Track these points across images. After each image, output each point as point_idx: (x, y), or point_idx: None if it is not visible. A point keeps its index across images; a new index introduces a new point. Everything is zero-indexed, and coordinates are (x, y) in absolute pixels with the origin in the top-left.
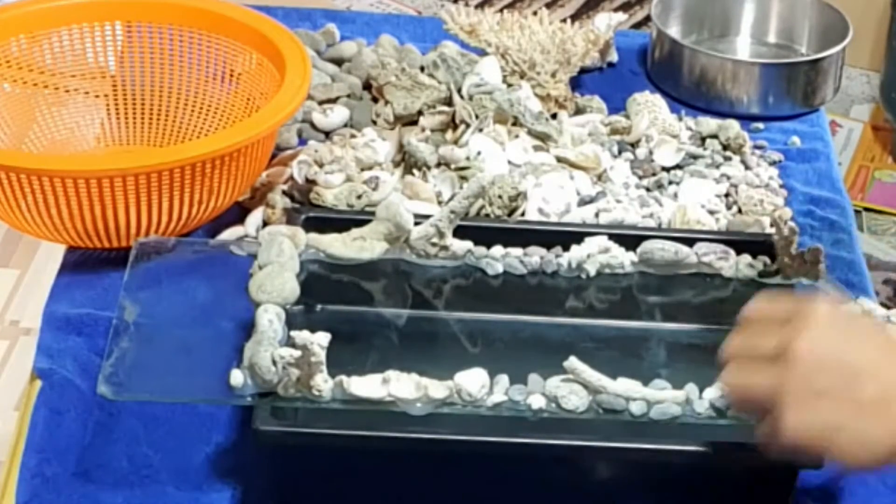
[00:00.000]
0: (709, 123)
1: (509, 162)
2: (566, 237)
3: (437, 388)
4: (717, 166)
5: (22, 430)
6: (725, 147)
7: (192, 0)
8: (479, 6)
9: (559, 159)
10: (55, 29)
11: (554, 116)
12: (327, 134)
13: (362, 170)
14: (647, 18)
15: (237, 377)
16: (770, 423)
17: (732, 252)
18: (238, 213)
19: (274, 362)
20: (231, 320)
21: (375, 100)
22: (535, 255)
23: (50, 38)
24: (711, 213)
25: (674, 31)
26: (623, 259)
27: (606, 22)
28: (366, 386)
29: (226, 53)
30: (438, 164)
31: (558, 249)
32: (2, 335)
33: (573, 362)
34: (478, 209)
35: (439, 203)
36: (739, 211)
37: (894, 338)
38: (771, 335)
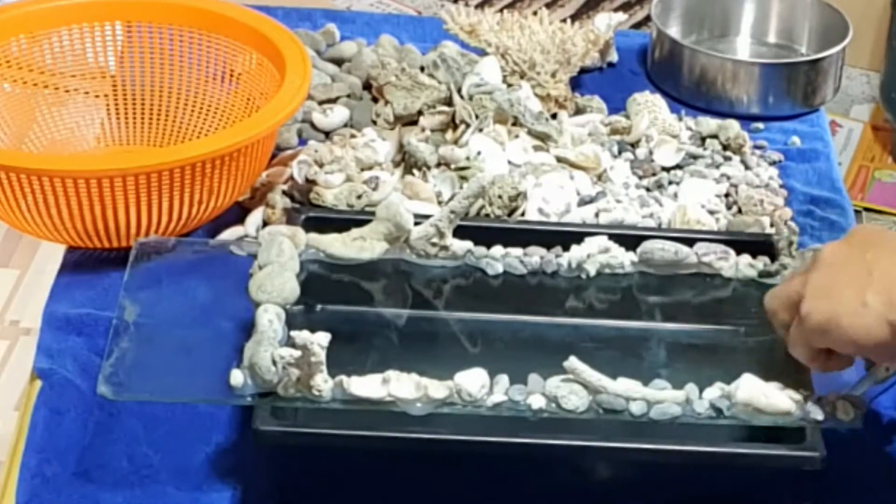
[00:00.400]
0: (709, 123)
1: (509, 162)
2: (566, 237)
3: (437, 388)
4: (717, 166)
5: (22, 430)
6: (725, 147)
7: (192, 0)
8: (479, 6)
9: (559, 159)
10: (55, 29)
11: (554, 116)
12: (327, 134)
13: (362, 170)
14: (647, 18)
15: (237, 377)
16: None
17: (732, 252)
18: (238, 213)
19: (274, 362)
20: (231, 320)
21: (375, 100)
22: (535, 255)
23: (50, 38)
24: (711, 213)
25: (674, 31)
26: (623, 259)
27: (606, 22)
28: (366, 386)
29: (226, 53)
30: (438, 164)
31: (558, 249)
32: (2, 335)
33: (573, 362)
34: (478, 209)
35: (439, 203)
36: (739, 211)
37: None
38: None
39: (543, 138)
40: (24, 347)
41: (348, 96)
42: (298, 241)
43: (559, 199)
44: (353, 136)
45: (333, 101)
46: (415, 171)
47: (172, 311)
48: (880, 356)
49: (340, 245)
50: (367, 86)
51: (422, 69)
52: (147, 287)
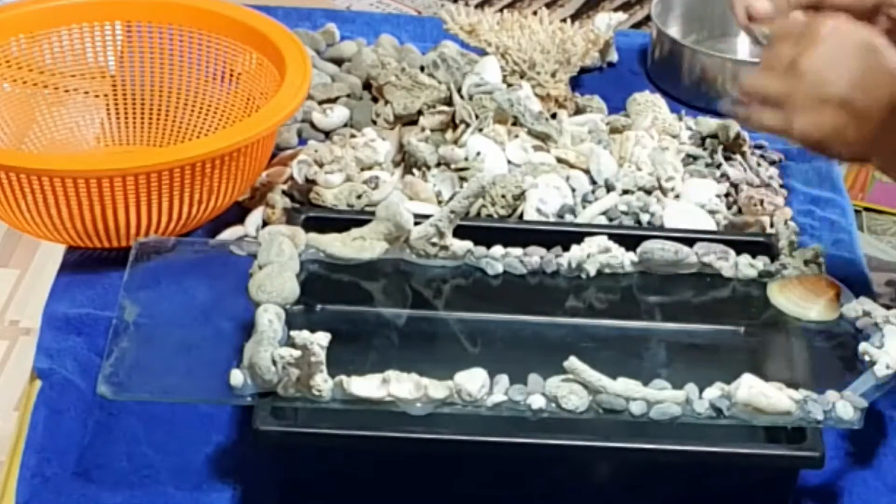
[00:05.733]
0: (709, 123)
1: (509, 162)
2: (566, 237)
3: (437, 388)
4: (717, 166)
5: (22, 430)
6: (726, 147)
7: (192, 0)
8: (479, 6)
9: (559, 160)
10: (55, 29)
11: (554, 116)
12: (327, 134)
13: (362, 170)
14: (647, 18)
15: (237, 377)
16: (780, 120)
17: (732, 252)
18: (238, 213)
19: (274, 362)
20: (231, 320)
21: (375, 100)
22: (535, 255)
23: (50, 38)
24: (711, 213)
25: (674, 31)
26: (623, 259)
27: (606, 22)
28: (366, 386)
29: (226, 53)
30: (438, 164)
31: (558, 249)
32: (2, 335)
33: (573, 362)
34: (478, 209)
35: (439, 203)
36: (739, 211)
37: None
38: (785, 52)
39: (543, 138)
40: (24, 347)
41: (348, 96)
42: (298, 241)
43: (556, 199)
44: (353, 136)
45: (333, 101)
46: (415, 171)
47: (172, 311)
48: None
49: (340, 245)
50: (367, 86)
51: (422, 69)
52: (147, 287)
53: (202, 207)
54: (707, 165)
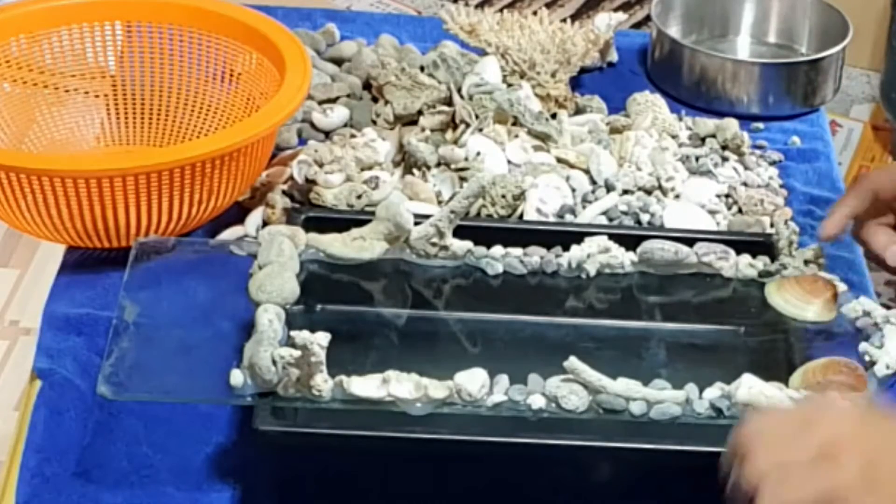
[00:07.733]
0: (706, 124)
1: (509, 162)
2: (566, 237)
3: (437, 388)
4: (717, 166)
5: (22, 430)
6: (724, 147)
7: (192, 0)
8: (479, 6)
9: (559, 160)
10: (55, 29)
11: (554, 116)
12: (327, 134)
13: (362, 170)
14: (647, 18)
15: (237, 377)
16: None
17: (732, 252)
18: (238, 213)
19: (274, 362)
20: (231, 320)
21: (375, 100)
22: (535, 255)
23: (50, 38)
24: (711, 213)
25: (674, 31)
26: (623, 259)
27: (606, 22)
28: (366, 386)
29: (226, 53)
30: (438, 164)
31: (558, 249)
32: (2, 335)
33: (573, 362)
34: (478, 209)
35: (439, 203)
36: (740, 211)
37: None
38: (800, 442)
39: (543, 138)
40: (24, 347)
41: (348, 96)
42: (298, 241)
43: (555, 199)
44: (353, 136)
45: (333, 101)
46: (415, 171)
47: (172, 311)
48: None
49: (340, 245)
50: (367, 86)
51: (422, 69)
52: (147, 287)
53: (202, 207)
54: (706, 166)
